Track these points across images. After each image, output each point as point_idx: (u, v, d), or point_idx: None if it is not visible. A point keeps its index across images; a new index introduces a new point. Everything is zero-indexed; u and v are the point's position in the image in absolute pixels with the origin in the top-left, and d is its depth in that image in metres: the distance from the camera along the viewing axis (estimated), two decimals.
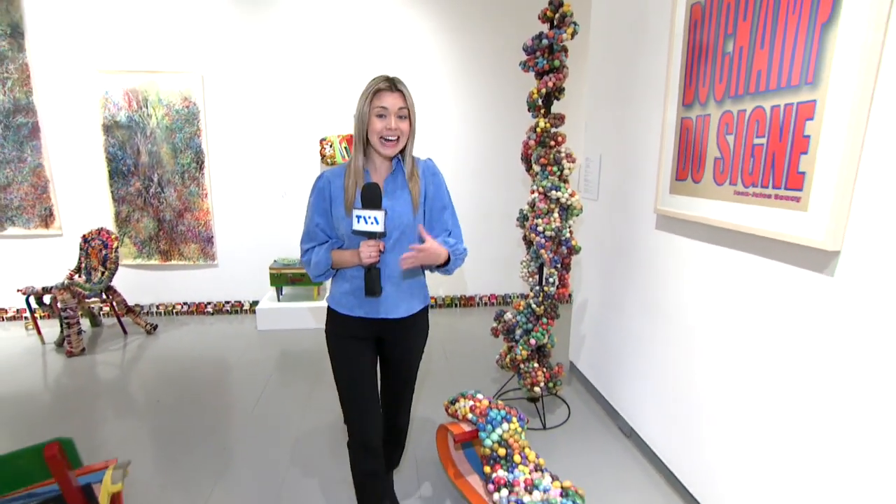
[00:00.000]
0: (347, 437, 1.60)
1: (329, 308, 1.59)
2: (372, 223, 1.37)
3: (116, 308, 3.75)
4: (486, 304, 4.60)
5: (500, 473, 1.78)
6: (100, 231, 3.68)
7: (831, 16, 1.28)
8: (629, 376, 2.46)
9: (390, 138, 1.44)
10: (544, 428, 2.57)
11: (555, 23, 2.33)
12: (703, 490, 1.90)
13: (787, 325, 1.48)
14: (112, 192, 4.01)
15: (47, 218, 4.02)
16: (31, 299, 3.64)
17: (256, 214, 4.14)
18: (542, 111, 2.44)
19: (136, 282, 4.13)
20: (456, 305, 4.56)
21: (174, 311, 4.25)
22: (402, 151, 1.51)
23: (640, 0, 2.31)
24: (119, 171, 3.99)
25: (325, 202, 1.51)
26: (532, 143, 2.50)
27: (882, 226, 1.18)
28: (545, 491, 1.71)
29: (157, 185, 4.03)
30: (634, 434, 2.41)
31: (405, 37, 4.03)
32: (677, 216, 1.99)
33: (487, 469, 1.82)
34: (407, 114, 1.44)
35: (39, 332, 3.67)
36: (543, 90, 2.38)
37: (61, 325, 3.48)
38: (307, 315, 3.91)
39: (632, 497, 2.02)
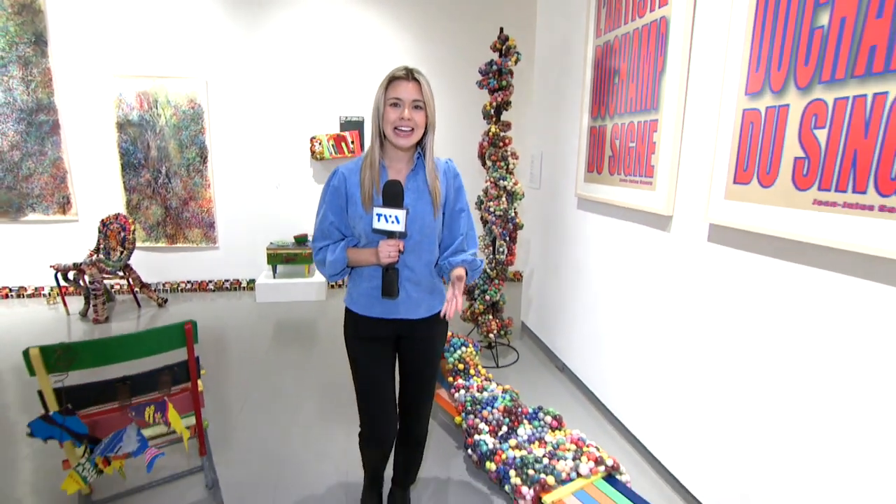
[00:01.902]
0: (359, 428, 1.62)
1: (347, 309, 1.53)
2: (393, 222, 1.31)
3: (132, 283, 4.29)
4: None
5: (460, 381, 2.48)
6: (118, 216, 4.21)
7: (664, 68, 2.04)
8: (562, 324, 3.20)
9: (404, 129, 1.36)
10: (497, 367, 3.29)
11: (503, 52, 3.05)
12: (608, 398, 2.65)
13: (643, 265, 2.24)
14: (124, 182, 4.54)
15: (65, 205, 4.51)
16: (59, 275, 4.15)
17: (253, 203, 4.73)
18: (494, 119, 3.16)
19: (145, 262, 4.66)
20: None
21: (179, 288, 4.80)
22: (423, 147, 1.44)
23: (567, 38, 3.05)
24: (131, 164, 4.52)
25: (341, 199, 1.44)
26: (486, 144, 3.22)
27: (692, 199, 1.94)
28: (491, 391, 2.43)
29: (164, 177, 4.58)
30: (566, 368, 3.15)
31: (383, 50, 4.69)
32: (589, 198, 2.73)
33: (451, 378, 2.52)
34: (423, 105, 1.37)
35: (65, 304, 4.19)
36: (494, 103, 3.10)
37: (87, 298, 4.00)
38: (299, 289, 4.54)
39: (561, 407, 2.75)
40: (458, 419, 2.31)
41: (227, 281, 4.84)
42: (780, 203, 1.50)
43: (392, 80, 1.37)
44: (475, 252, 1.55)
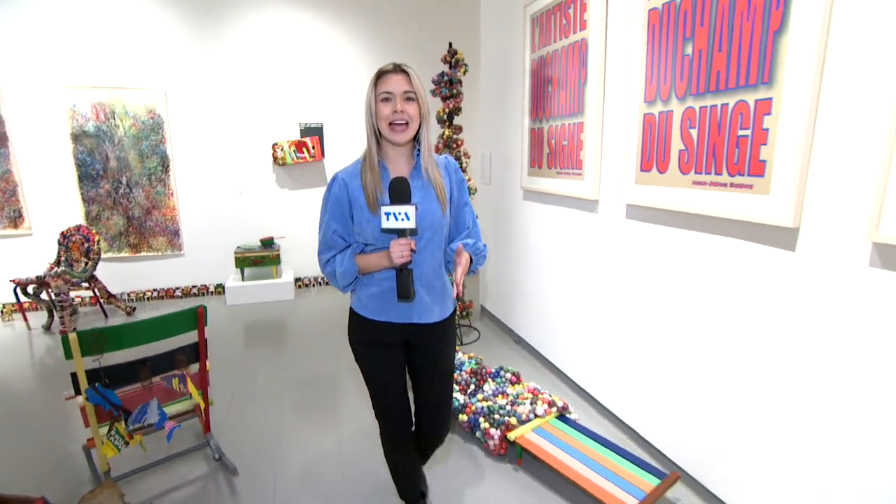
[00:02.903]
0: (380, 430, 1.61)
1: (354, 312, 1.48)
2: (403, 219, 1.27)
3: (98, 294, 4.34)
4: None
5: None
6: (79, 227, 4.26)
7: (586, 79, 2.49)
8: (516, 302, 3.62)
9: (399, 122, 1.32)
10: (462, 344, 3.67)
11: (452, 64, 3.43)
12: (557, 358, 3.09)
13: (578, 242, 2.69)
14: (82, 193, 4.57)
15: (16, 219, 4.48)
16: (19, 290, 4.14)
17: (218, 209, 4.87)
18: (447, 124, 3.54)
19: (108, 273, 4.70)
20: None
21: (145, 297, 4.87)
22: (419, 141, 1.41)
23: (507, 52, 3.47)
24: (88, 175, 4.55)
25: (343, 206, 1.38)
26: (441, 146, 3.59)
27: (612, 185, 2.40)
28: (458, 358, 2.80)
29: (125, 187, 4.64)
30: (522, 341, 3.58)
31: (338, 59, 4.96)
32: (532, 190, 3.17)
33: None
34: (415, 96, 1.33)
35: (26, 319, 4.18)
36: (447, 110, 3.48)
37: (50, 311, 4.04)
38: (268, 290, 4.73)
39: (518, 369, 3.17)
40: None
41: (194, 287, 4.95)
42: (672, 185, 1.97)
43: (380, 75, 1.34)
44: (482, 244, 1.52)
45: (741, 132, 1.66)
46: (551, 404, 2.37)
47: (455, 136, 3.54)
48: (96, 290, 4.32)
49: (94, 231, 4.23)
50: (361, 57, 5.04)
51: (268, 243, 4.80)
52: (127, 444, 1.80)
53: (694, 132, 1.84)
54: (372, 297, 1.43)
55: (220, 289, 5.01)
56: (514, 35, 3.31)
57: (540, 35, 2.93)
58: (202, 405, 1.95)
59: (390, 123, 1.34)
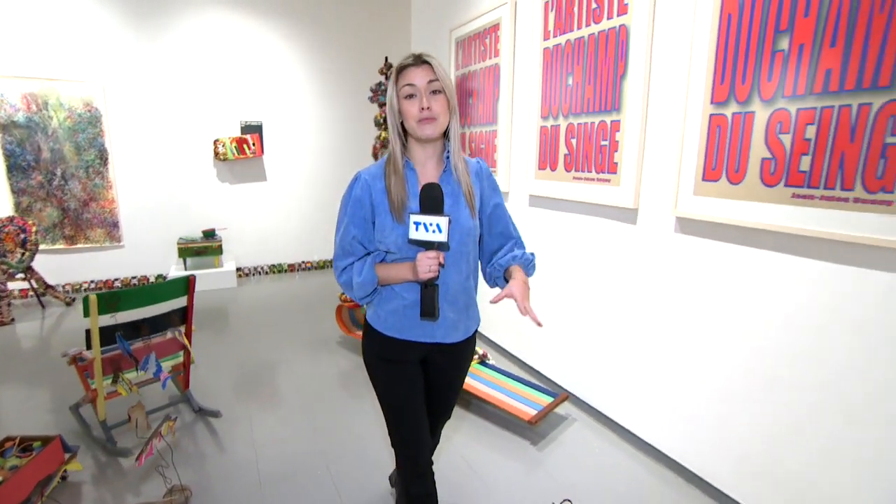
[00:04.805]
0: (395, 459, 1.49)
1: (370, 328, 1.37)
2: (434, 231, 1.18)
3: (35, 285, 4.36)
4: None
5: None
6: (12, 219, 4.25)
7: (499, 95, 3.15)
8: None
9: (428, 117, 1.22)
10: None
11: (388, 75, 3.97)
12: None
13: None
14: (11, 184, 4.52)
15: None
16: None
17: (159, 202, 5.01)
18: (384, 127, 4.07)
19: (42, 264, 4.67)
20: (327, 267, 5.97)
21: (82, 288, 4.89)
22: (447, 138, 1.30)
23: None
24: (18, 166, 4.52)
25: (364, 209, 1.29)
26: (378, 146, 4.12)
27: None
28: None
29: (60, 179, 4.66)
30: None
31: (278, 61, 5.28)
32: None
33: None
34: (441, 88, 1.23)
35: None
36: (383, 115, 4.01)
37: None
38: (210, 279, 4.97)
39: None
40: None
41: (134, 278, 5.05)
42: (560, 179, 2.67)
43: (401, 69, 1.25)
44: (530, 253, 1.39)
45: (602, 142, 2.38)
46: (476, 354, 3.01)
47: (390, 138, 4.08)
48: (33, 280, 4.34)
49: (31, 222, 4.26)
50: (301, 61, 5.40)
51: (209, 234, 5.03)
52: (130, 391, 2.17)
53: (574, 141, 2.55)
54: (392, 313, 1.31)
55: (160, 279, 5.14)
56: (440, 53, 3.92)
57: (463, 56, 3.57)
58: (192, 355, 2.34)
59: (419, 121, 1.22)
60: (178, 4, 4.84)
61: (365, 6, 5.55)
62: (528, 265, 1.37)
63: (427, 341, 1.33)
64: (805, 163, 1.58)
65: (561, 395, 2.64)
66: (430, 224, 1.18)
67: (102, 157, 4.76)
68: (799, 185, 1.60)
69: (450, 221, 1.19)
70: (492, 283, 1.44)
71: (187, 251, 4.87)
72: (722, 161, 1.83)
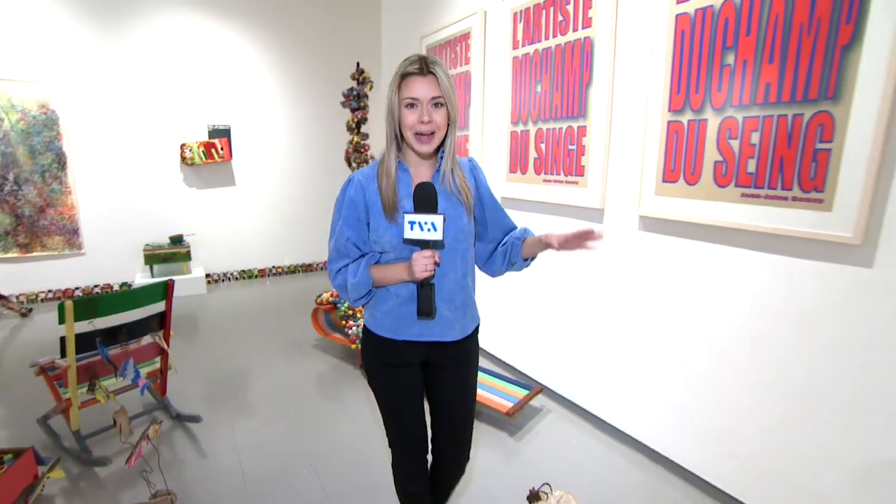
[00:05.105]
0: (392, 458, 1.49)
1: (368, 331, 1.37)
2: (429, 230, 1.18)
3: None
4: (322, 268, 6.08)
5: (350, 322, 3.42)
6: None
7: (470, 101, 3.26)
8: None
9: (425, 132, 1.22)
10: None
11: (359, 81, 4.02)
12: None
13: None
14: None
15: None
16: None
17: (122, 208, 4.86)
18: (356, 131, 4.12)
19: None
20: (298, 272, 5.94)
21: (39, 298, 4.69)
22: (444, 145, 1.29)
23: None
24: None
25: (359, 211, 1.29)
26: (350, 150, 4.16)
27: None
28: None
29: (12, 184, 4.46)
30: None
31: (247, 65, 5.24)
32: None
33: (344, 322, 3.43)
34: (444, 102, 1.22)
35: None
36: (355, 119, 4.06)
37: None
38: (179, 286, 4.84)
39: None
40: (354, 346, 3.24)
41: (96, 286, 4.88)
42: (530, 182, 2.79)
43: (404, 76, 1.22)
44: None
45: (570, 147, 2.52)
46: None
47: (363, 143, 4.14)
48: None
49: None
50: (270, 65, 5.36)
51: (177, 240, 4.92)
52: (108, 398, 2.14)
53: (543, 146, 2.68)
54: (387, 314, 1.31)
55: (125, 287, 4.99)
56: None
57: None
58: (172, 359, 2.33)
59: (416, 133, 1.23)
60: (142, 5, 4.73)
61: (334, 11, 5.57)
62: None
63: (424, 340, 1.32)
64: (751, 165, 1.75)
65: (535, 388, 2.76)
66: (425, 223, 1.18)
67: (60, 162, 4.59)
68: (747, 186, 1.78)
69: (444, 219, 1.20)
70: (504, 264, 1.40)
71: (154, 258, 4.75)
72: (680, 164, 1.99)
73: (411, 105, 1.21)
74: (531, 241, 1.36)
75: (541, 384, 2.93)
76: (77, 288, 4.82)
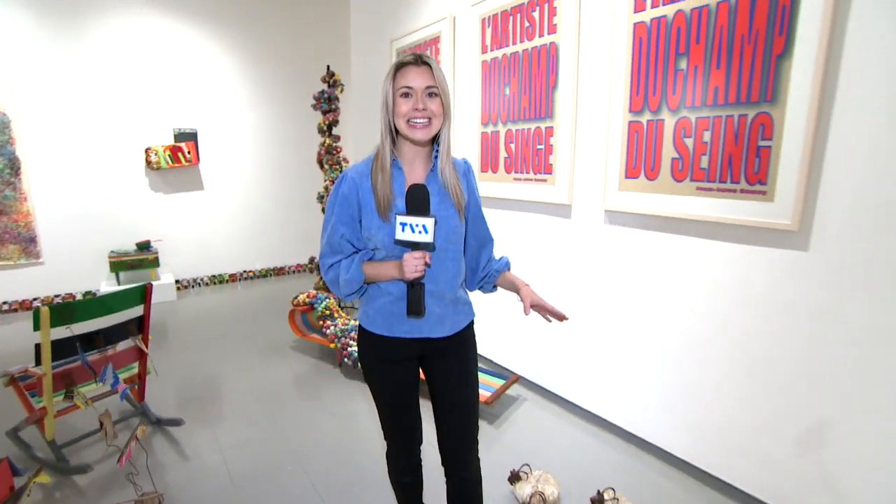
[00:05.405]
0: (386, 448, 1.54)
1: (362, 329, 1.40)
2: (420, 232, 1.20)
3: None
4: (293, 271, 6.04)
5: (328, 322, 3.45)
6: None
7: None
8: None
9: (419, 121, 1.23)
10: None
11: (330, 84, 4.06)
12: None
13: None
14: None
15: None
16: None
17: (85, 214, 4.71)
18: (328, 133, 4.15)
19: None
20: (270, 275, 5.89)
21: None
22: (439, 141, 1.30)
23: (378, 74, 4.22)
24: None
25: (352, 208, 1.30)
26: (322, 152, 4.19)
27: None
28: (353, 325, 3.46)
29: None
30: None
31: (211, 68, 5.16)
32: None
33: (321, 322, 3.46)
34: (438, 92, 1.24)
35: None
36: (327, 122, 4.10)
37: None
38: None
39: None
40: (332, 345, 3.28)
41: (57, 296, 4.71)
42: (501, 181, 2.91)
43: (399, 67, 1.24)
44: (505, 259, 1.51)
45: (538, 146, 2.66)
46: None
47: (335, 145, 4.17)
48: None
49: None
50: (237, 68, 5.31)
51: (144, 246, 4.81)
52: (87, 404, 2.12)
53: (513, 146, 2.81)
54: (379, 312, 1.34)
55: (89, 296, 4.83)
56: (382, 62, 4.07)
57: None
58: (150, 364, 2.32)
59: (409, 120, 1.24)
60: (98, 5, 4.60)
61: (301, 14, 5.56)
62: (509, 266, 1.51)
63: (415, 337, 1.34)
64: (704, 161, 1.92)
65: (511, 377, 2.88)
66: (416, 225, 1.19)
67: (13, 167, 4.41)
68: (701, 180, 1.94)
69: (436, 222, 1.21)
70: (477, 284, 1.48)
71: (120, 265, 4.63)
72: (640, 161, 2.15)
73: (406, 94, 1.23)
74: (508, 276, 1.45)
75: (516, 374, 3.05)
76: (35, 298, 4.64)
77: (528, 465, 2.12)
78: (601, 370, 2.53)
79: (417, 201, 1.22)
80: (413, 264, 1.22)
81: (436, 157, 1.31)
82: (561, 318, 1.34)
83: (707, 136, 1.89)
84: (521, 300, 1.36)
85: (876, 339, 1.56)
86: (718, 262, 1.97)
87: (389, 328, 1.34)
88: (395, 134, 1.29)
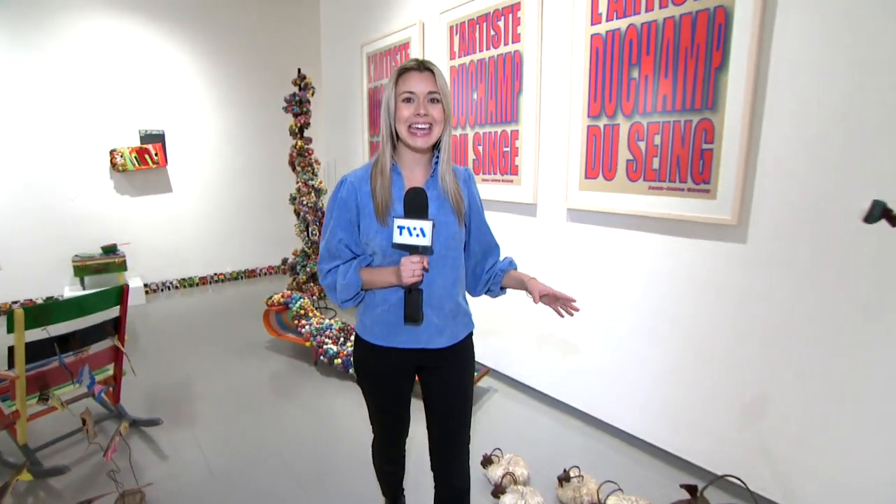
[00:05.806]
0: (373, 438, 1.59)
1: (359, 338, 1.39)
2: (418, 235, 1.18)
3: None
4: (265, 273, 6.02)
5: (303, 321, 3.51)
6: None
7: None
8: None
9: (421, 126, 1.23)
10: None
11: (301, 87, 4.11)
12: None
13: None
14: None
15: None
16: None
17: (46, 217, 4.59)
18: (299, 136, 4.20)
19: None
20: (241, 278, 5.85)
21: None
22: (439, 147, 1.30)
23: (348, 78, 4.29)
24: None
25: (350, 212, 1.29)
26: (294, 154, 4.23)
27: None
28: (328, 323, 3.53)
29: None
30: None
31: (177, 70, 5.10)
32: None
33: (296, 322, 3.51)
34: (439, 98, 1.24)
35: None
36: (298, 124, 4.14)
37: None
38: None
39: None
40: (308, 343, 3.34)
41: (15, 302, 4.57)
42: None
43: (402, 72, 1.24)
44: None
45: (505, 149, 2.80)
46: None
47: (306, 147, 4.22)
48: None
49: None
50: (205, 70, 5.26)
51: (110, 250, 4.72)
52: (62, 406, 2.13)
53: (480, 148, 2.94)
54: (377, 321, 1.33)
55: (49, 300, 4.71)
56: (353, 67, 4.15)
57: (374, 70, 3.83)
58: (126, 364, 2.34)
59: (410, 126, 1.23)
60: (61, 8, 4.50)
61: (269, 18, 5.56)
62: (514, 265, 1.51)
63: (413, 347, 1.33)
64: (655, 163, 2.09)
65: (482, 370, 3.01)
66: (414, 228, 1.18)
67: None
68: (653, 180, 2.12)
69: (434, 225, 1.20)
70: (483, 288, 1.49)
71: (85, 269, 4.53)
72: (598, 162, 2.32)
73: (408, 100, 1.23)
74: (514, 274, 1.45)
75: (487, 366, 3.19)
76: None
77: (499, 449, 2.25)
78: (565, 360, 2.68)
79: (415, 204, 1.21)
80: (411, 268, 1.21)
81: (436, 163, 1.31)
82: (570, 303, 1.36)
83: (658, 140, 2.07)
84: (530, 292, 1.37)
85: (801, 317, 1.76)
86: (668, 255, 2.15)
87: (387, 338, 1.33)
88: (395, 139, 1.29)
